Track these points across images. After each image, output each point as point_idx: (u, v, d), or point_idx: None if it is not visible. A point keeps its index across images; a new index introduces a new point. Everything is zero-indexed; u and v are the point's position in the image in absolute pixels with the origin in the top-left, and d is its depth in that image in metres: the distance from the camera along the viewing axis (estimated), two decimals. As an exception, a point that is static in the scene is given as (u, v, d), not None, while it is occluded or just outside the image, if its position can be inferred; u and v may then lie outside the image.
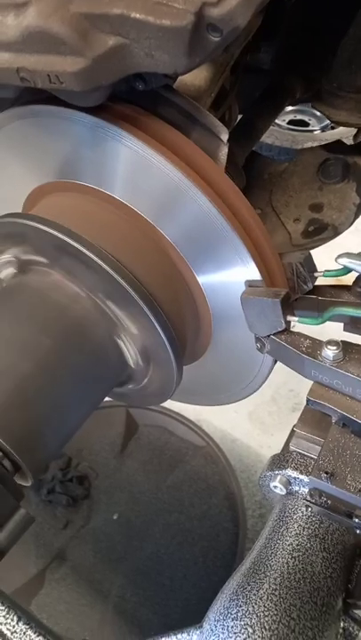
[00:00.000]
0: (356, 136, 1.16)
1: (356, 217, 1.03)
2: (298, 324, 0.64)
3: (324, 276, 0.64)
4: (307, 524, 0.61)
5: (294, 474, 0.64)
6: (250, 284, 0.65)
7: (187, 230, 0.68)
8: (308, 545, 0.60)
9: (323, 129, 3.45)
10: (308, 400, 0.61)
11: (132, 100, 0.63)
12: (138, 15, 0.46)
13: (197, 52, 0.47)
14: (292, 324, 0.64)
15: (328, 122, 3.48)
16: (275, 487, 0.66)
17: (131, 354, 0.72)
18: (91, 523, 1.80)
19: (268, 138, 3.21)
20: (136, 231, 0.70)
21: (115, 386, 0.78)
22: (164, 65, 0.49)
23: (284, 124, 3.49)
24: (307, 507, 0.61)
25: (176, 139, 0.62)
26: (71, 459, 1.93)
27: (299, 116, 3.58)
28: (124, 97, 0.62)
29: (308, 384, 0.65)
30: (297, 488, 0.65)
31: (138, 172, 0.65)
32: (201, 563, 1.69)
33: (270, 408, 2.22)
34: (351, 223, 1.03)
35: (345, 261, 0.58)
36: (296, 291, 0.66)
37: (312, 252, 0.95)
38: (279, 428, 2.20)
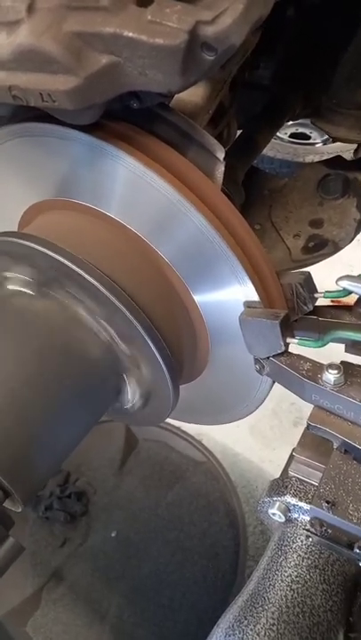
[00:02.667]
0: (356, 151, 1.15)
1: (356, 233, 1.02)
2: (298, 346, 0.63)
3: (324, 296, 0.63)
4: (306, 554, 0.59)
5: (293, 501, 0.62)
6: (248, 304, 0.63)
7: (183, 249, 0.66)
8: (308, 577, 0.57)
9: (324, 142, 3.46)
10: (308, 425, 0.59)
11: (128, 118, 0.62)
12: (131, 34, 0.45)
13: (192, 71, 0.46)
14: (291, 345, 0.62)
15: (329, 134, 3.51)
16: (273, 514, 0.64)
17: (128, 376, 0.70)
18: (89, 540, 1.77)
19: (269, 151, 3.23)
20: (132, 250, 0.69)
21: (111, 405, 0.76)
22: (157, 84, 0.48)
23: (285, 137, 3.51)
24: (307, 536, 0.58)
25: (172, 157, 0.61)
26: (69, 474, 1.91)
27: (300, 129, 3.60)
28: (120, 115, 0.62)
29: (309, 398, 0.63)
30: (296, 515, 0.63)
31: (134, 190, 0.63)
32: (201, 582, 1.65)
33: (272, 422, 2.19)
34: (352, 239, 1.02)
35: (345, 284, 0.56)
36: (296, 311, 0.64)
37: (311, 268, 0.94)
38: (281, 442, 2.17)
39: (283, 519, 0.63)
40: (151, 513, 1.81)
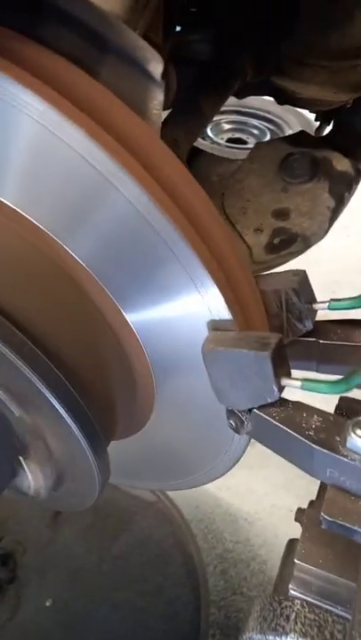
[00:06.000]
0: (319, 128, 0.96)
1: (330, 224, 0.82)
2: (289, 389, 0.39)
3: (328, 308, 0.40)
4: None
5: (303, 640, 0.38)
6: (215, 326, 0.39)
7: (106, 242, 0.42)
8: None
9: (261, 146, 3.39)
10: (323, 519, 0.36)
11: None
12: None
13: None
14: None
15: (267, 139, 3.44)
16: (271, 659, 0.39)
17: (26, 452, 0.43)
18: (19, 614, 1.45)
19: (207, 156, 3.10)
20: (30, 252, 0.43)
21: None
22: None
23: (222, 141, 3.42)
24: None
25: (77, 81, 0.36)
26: (-8, 533, 1.58)
27: (237, 135, 3.53)
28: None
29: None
30: (308, 661, 0.39)
31: (25, 145, 0.38)
32: (158, 652, 1.38)
33: (227, 443, 1.98)
34: (326, 232, 0.82)
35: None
36: (286, 332, 0.41)
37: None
38: (241, 466, 1.95)
39: (287, 669, 0.39)
40: (94, 571, 1.52)
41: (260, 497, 1.84)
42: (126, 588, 1.49)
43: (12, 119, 0.36)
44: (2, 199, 0.43)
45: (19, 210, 0.43)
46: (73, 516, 1.65)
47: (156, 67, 0.34)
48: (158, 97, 0.35)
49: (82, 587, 1.49)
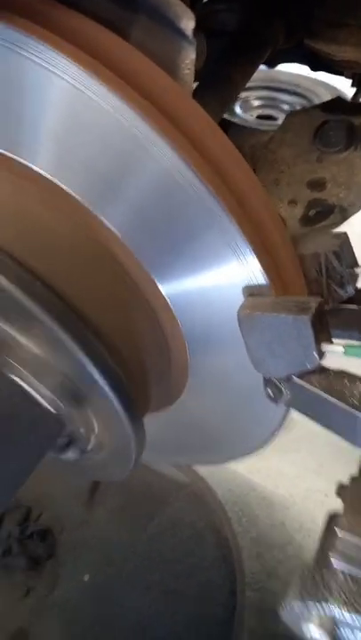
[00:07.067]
0: (356, 95, 0.92)
1: (369, 195, 0.79)
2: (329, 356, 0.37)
3: (373, 271, 0.38)
4: None
5: (345, 613, 0.37)
6: (251, 291, 0.38)
7: (140, 210, 0.41)
8: None
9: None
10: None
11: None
12: None
13: None
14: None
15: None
16: (310, 633, 0.39)
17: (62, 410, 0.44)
18: (57, 589, 1.49)
19: (236, 135, 3.04)
20: (65, 223, 0.43)
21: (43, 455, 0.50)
22: None
23: (252, 118, 3.34)
24: None
25: (106, 42, 0.35)
26: (31, 510, 1.62)
27: (267, 111, 3.44)
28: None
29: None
30: (350, 636, 0.38)
31: (58, 110, 0.37)
32: (194, 632, 1.39)
33: (258, 427, 1.96)
34: (364, 203, 0.79)
35: None
36: (326, 299, 0.39)
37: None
38: (272, 448, 1.94)
39: (328, 642, 0.38)
40: (128, 551, 1.54)
41: (293, 480, 1.81)
42: (159, 569, 1.51)
43: (44, 83, 0.35)
44: (34, 167, 0.42)
45: (51, 177, 0.42)
46: (107, 497, 1.67)
47: (188, 23, 0.33)
48: (190, 55, 0.34)
49: (116, 568, 1.51)
